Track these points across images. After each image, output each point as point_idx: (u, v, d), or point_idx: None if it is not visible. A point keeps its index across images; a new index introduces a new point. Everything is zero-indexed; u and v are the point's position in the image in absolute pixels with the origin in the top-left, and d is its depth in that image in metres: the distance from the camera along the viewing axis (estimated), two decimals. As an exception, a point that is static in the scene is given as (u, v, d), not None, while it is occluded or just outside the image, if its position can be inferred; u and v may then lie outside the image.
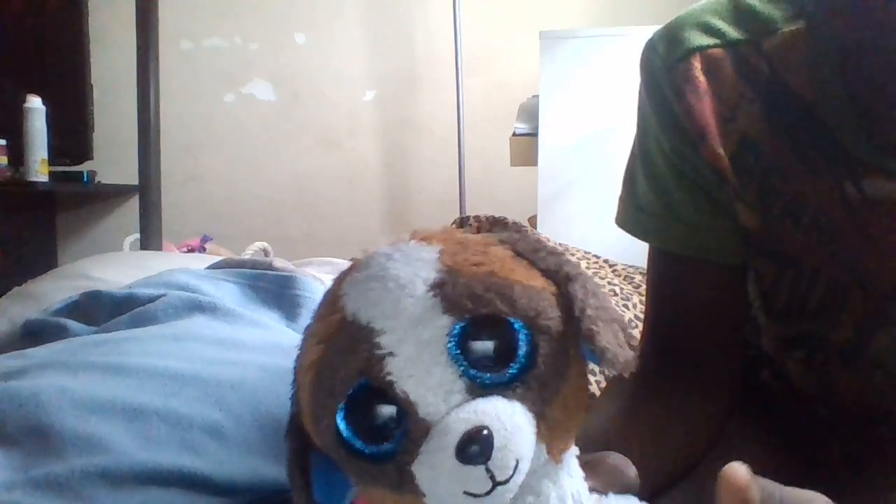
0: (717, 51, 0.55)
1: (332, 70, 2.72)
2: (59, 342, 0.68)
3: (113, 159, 2.62)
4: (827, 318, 0.55)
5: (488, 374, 0.28)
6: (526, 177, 2.09)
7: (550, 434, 0.29)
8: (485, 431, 0.26)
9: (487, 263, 0.30)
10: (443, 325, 0.28)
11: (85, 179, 2.49)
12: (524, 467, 0.28)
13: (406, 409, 0.28)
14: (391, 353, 0.28)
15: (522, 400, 0.28)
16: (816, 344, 0.56)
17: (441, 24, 2.53)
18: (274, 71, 2.74)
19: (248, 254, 1.70)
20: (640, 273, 1.25)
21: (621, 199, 0.64)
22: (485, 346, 0.28)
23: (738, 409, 0.62)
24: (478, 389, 0.28)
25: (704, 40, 0.56)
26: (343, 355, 0.29)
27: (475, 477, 0.27)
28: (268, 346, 0.70)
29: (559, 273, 0.31)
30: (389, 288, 0.29)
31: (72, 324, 0.78)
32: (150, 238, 1.78)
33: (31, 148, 2.29)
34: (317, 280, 1.00)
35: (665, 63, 0.57)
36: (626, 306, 1.12)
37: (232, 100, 2.76)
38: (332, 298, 0.32)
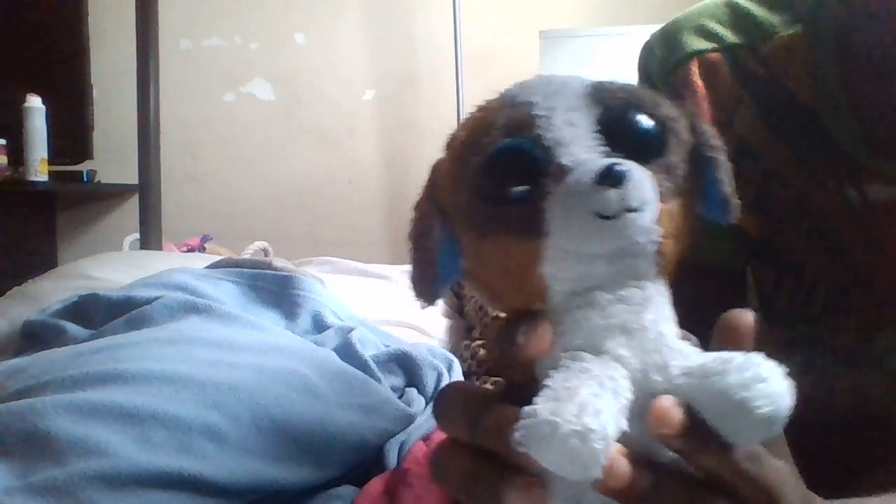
0: (715, 55, 0.55)
1: (332, 69, 2.72)
2: (53, 351, 0.68)
3: (113, 159, 2.62)
4: (827, 323, 0.54)
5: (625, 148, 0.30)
6: (526, 176, 2.08)
7: (667, 226, 0.30)
8: (622, 165, 0.28)
9: (629, 86, 0.32)
10: (596, 112, 0.30)
11: (85, 179, 2.49)
12: (650, 216, 0.29)
13: (549, 157, 0.29)
14: (545, 116, 0.30)
15: (652, 172, 0.30)
16: (816, 349, 0.56)
17: (441, 24, 2.53)
18: (274, 71, 2.74)
19: (247, 253, 1.70)
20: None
21: None
22: (623, 123, 0.30)
23: None
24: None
25: (702, 44, 0.55)
26: (498, 112, 0.31)
27: (607, 197, 0.28)
28: (265, 348, 0.70)
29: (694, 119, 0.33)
30: (551, 81, 0.32)
31: (69, 326, 0.78)
32: (149, 237, 1.78)
33: (31, 147, 2.29)
34: (316, 280, 1.00)
35: (663, 67, 0.57)
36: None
37: (232, 99, 2.76)
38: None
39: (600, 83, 0.31)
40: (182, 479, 0.52)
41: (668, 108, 0.31)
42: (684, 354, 0.30)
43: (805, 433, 0.63)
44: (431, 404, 0.77)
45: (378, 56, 2.70)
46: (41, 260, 2.58)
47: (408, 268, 0.34)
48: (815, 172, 0.52)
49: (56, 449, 0.50)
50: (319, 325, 0.89)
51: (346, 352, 0.79)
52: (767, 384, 0.29)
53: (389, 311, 1.14)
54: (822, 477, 0.60)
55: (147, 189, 1.78)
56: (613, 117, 0.30)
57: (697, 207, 0.33)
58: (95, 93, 2.57)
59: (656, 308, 0.31)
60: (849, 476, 0.59)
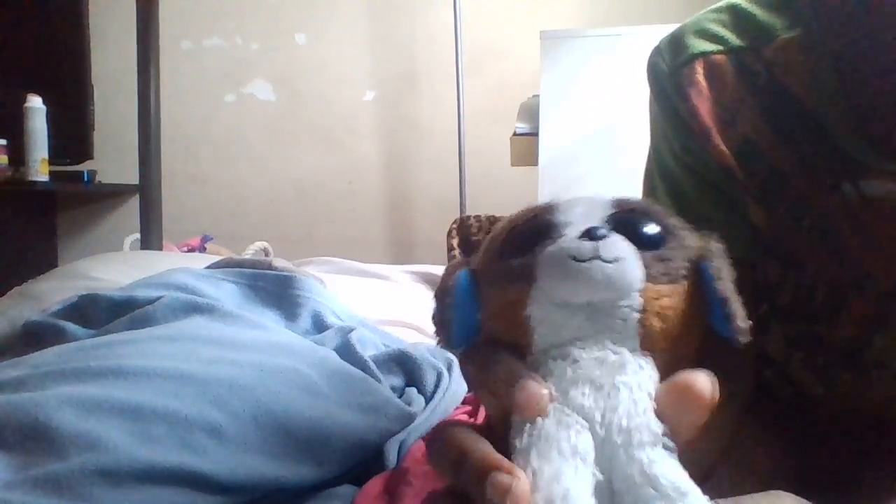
0: (720, 57, 0.57)
1: (333, 70, 2.72)
2: (56, 347, 0.68)
3: (113, 159, 2.62)
4: (828, 319, 0.55)
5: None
6: (526, 176, 2.08)
7: (651, 305, 0.33)
8: (604, 230, 0.33)
9: (650, 204, 0.37)
10: (607, 209, 0.35)
11: (85, 179, 2.49)
12: (623, 273, 0.32)
13: (556, 230, 0.34)
14: (560, 211, 0.36)
15: (644, 261, 0.33)
16: (818, 344, 0.57)
17: (442, 24, 2.53)
18: (274, 71, 2.75)
19: (248, 253, 1.70)
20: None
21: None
22: (630, 223, 0.35)
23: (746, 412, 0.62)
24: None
25: (707, 46, 0.57)
26: (528, 219, 0.37)
27: (583, 245, 0.33)
28: (266, 346, 0.70)
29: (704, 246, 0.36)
30: (580, 200, 0.37)
31: (70, 326, 0.79)
32: (150, 238, 1.78)
33: (32, 147, 2.29)
34: (317, 280, 1.01)
35: (670, 68, 0.59)
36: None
37: (232, 100, 2.76)
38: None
39: (622, 198, 0.37)
40: (182, 476, 0.52)
41: (674, 220, 0.36)
42: (649, 436, 0.31)
43: (806, 431, 0.63)
44: (431, 403, 0.77)
45: (378, 56, 2.70)
46: (41, 260, 2.58)
47: (431, 308, 0.39)
48: (814, 170, 0.53)
49: (57, 443, 0.50)
50: (319, 326, 0.89)
51: (346, 352, 0.79)
52: None
53: (389, 311, 1.14)
54: (821, 475, 0.61)
55: (147, 189, 1.78)
56: (622, 216, 0.35)
57: (706, 317, 0.35)
58: (96, 93, 2.57)
59: (632, 376, 0.32)
60: (847, 475, 0.59)
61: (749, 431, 0.63)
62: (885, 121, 0.51)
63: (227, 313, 0.76)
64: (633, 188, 0.67)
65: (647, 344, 0.33)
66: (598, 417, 0.31)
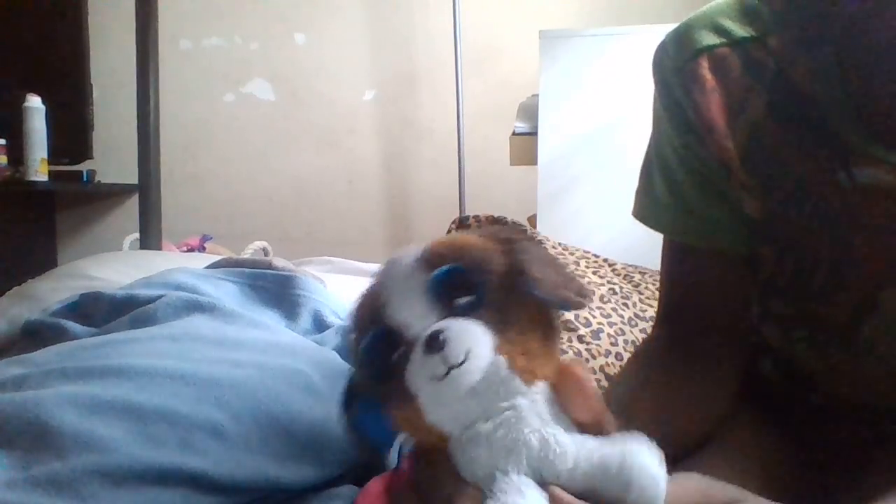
0: (724, 49, 0.58)
1: (332, 69, 2.72)
2: (58, 346, 0.68)
3: (112, 159, 2.62)
4: (826, 299, 0.58)
5: (453, 305, 0.40)
6: (526, 176, 2.08)
7: (511, 350, 0.39)
8: (440, 334, 0.37)
9: (452, 241, 0.42)
10: (421, 278, 0.41)
11: (84, 179, 2.48)
12: (477, 360, 0.37)
13: (400, 334, 0.40)
14: (389, 304, 0.41)
15: (480, 319, 0.39)
16: (817, 322, 0.59)
17: (441, 24, 2.53)
18: (273, 70, 2.74)
19: (247, 253, 1.70)
20: (640, 272, 1.25)
21: (638, 192, 0.67)
22: (447, 282, 0.40)
23: (742, 400, 0.63)
24: (448, 316, 0.39)
25: (712, 40, 0.59)
26: (365, 313, 0.43)
27: (434, 364, 0.37)
28: (267, 346, 0.70)
29: (509, 241, 0.43)
30: (393, 262, 0.43)
31: (71, 325, 0.78)
32: (149, 237, 1.78)
33: (31, 147, 2.29)
34: (317, 279, 1.00)
35: (675, 64, 0.60)
36: (625, 304, 1.12)
37: (231, 99, 2.76)
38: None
39: (428, 250, 0.41)
40: (183, 476, 0.52)
41: (474, 254, 0.41)
42: (571, 452, 0.38)
43: (804, 429, 0.64)
44: None
45: (378, 56, 2.70)
46: (41, 260, 2.58)
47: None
48: (814, 157, 0.55)
49: (58, 442, 0.50)
50: (320, 325, 0.89)
51: (346, 352, 0.79)
52: (649, 470, 0.37)
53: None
54: (822, 473, 0.61)
55: (147, 189, 1.78)
56: (438, 283, 0.40)
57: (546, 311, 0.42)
58: (95, 93, 2.57)
59: (533, 419, 0.39)
60: (849, 473, 0.59)
61: (745, 417, 0.64)
62: (881, 110, 0.53)
63: (229, 313, 0.76)
64: (631, 187, 0.68)
65: (529, 376, 0.39)
66: (533, 476, 0.38)
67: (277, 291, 0.91)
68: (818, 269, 0.57)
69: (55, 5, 2.50)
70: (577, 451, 0.38)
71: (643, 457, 0.37)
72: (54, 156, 2.38)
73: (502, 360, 0.38)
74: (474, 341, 0.37)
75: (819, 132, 0.55)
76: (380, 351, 0.41)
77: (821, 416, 0.64)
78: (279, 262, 1.01)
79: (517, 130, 2.03)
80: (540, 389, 0.40)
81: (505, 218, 1.28)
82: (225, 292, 0.88)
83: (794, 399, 0.66)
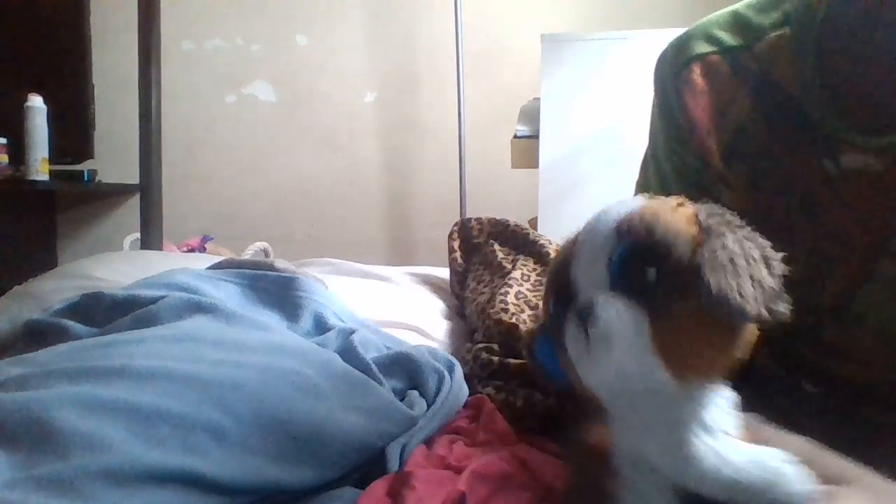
0: (715, 57, 0.65)
1: (334, 71, 2.72)
2: (60, 346, 0.68)
3: (114, 158, 2.62)
4: (813, 284, 0.62)
5: (625, 282, 0.38)
6: (527, 179, 2.09)
7: (664, 347, 0.37)
8: (592, 310, 0.37)
9: (653, 214, 0.39)
10: (606, 246, 0.39)
11: (85, 178, 2.49)
12: (615, 335, 0.37)
13: (572, 290, 0.40)
14: (574, 260, 0.41)
15: (639, 302, 0.37)
16: (806, 306, 0.61)
17: (443, 26, 2.53)
18: (275, 72, 2.75)
19: (248, 254, 1.70)
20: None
21: (637, 183, 0.75)
22: (627, 258, 0.39)
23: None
24: (619, 290, 0.38)
25: (705, 48, 0.66)
26: (557, 261, 0.43)
27: (576, 337, 0.38)
28: (269, 348, 0.70)
29: (708, 226, 0.39)
30: (595, 224, 0.41)
31: (72, 325, 0.78)
32: (150, 238, 1.78)
33: (32, 147, 2.29)
34: (318, 281, 1.00)
35: (672, 69, 0.68)
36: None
37: (233, 100, 2.76)
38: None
39: (625, 220, 0.39)
40: (184, 477, 0.52)
41: (664, 234, 0.38)
42: (715, 459, 0.37)
43: (795, 418, 0.65)
44: (432, 408, 0.77)
45: (379, 58, 2.70)
46: (41, 259, 2.58)
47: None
48: (799, 150, 0.61)
49: (60, 442, 0.50)
50: (321, 327, 0.89)
51: (348, 354, 0.79)
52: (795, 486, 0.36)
53: (390, 313, 1.14)
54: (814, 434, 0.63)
55: (148, 189, 1.78)
56: (624, 261, 0.39)
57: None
58: (97, 93, 2.57)
59: (681, 411, 0.38)
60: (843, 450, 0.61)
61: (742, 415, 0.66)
62: (860, 100, 0.58)
63: (230, 314, 0.76)
64: (631, 190, 0.72)
65: (682, 371, 0.37)
66: (670, 466, 0.37)
67: (279, 293, 0.91)
68: (803, 257, 0.61)
69: (57, 5, 2.50)
70: (718, 462, 0.37)
71: (792, 481, 0.36)
72: (55, 155, 2.38)
73: (657, 363, 0.36)
74: (620, 330, 0.37)
75: (803, 126, 0.60)
76: (560, 303, 0.41)
77: (816, 407, 0.65)
78: (280, 263, 1.01)
79: (518, 133, 2.04)
80: (690, 387, 0.38)
81: (506, 220, 1.28)
82: (226, 293, 0.87)
83: (789, 391, 0.67)
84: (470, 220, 1.31)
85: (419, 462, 0.67)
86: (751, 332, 0.39)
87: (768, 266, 0.39)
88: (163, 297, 0.78)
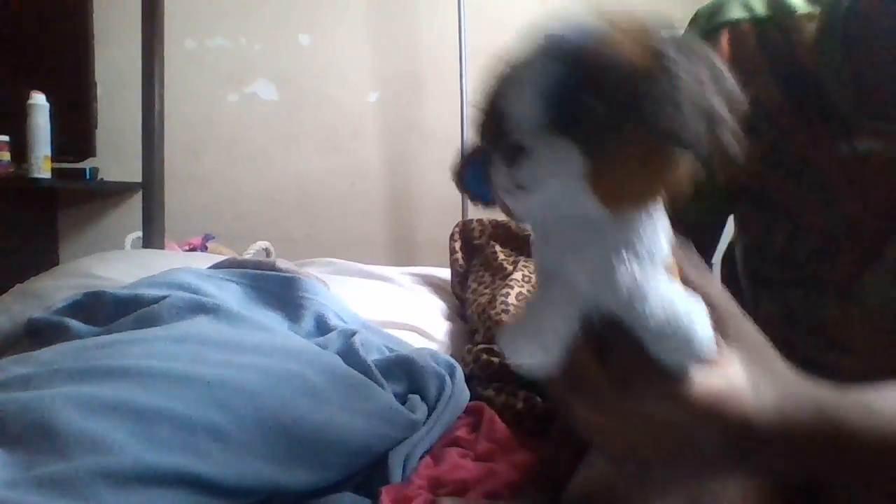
0: (746, 25, 0.65)
1: (336, 71, 2.72)
2: (62, 344, 0.68)
3: (116, 157, 2.62)
4: (819, 263, 0.63)
5: (559, 114, 0.35)
6: (528, 180, 2.08)
7: (598, 182, 0.34)
8: (517, 151, 0.34)
9: (602, 32, 0.36)
10: (544, 69, 0.36)
11: (87, 176, 2.48)
12: (546, 178, 0.34)
13: (506, 121, 0.37)
14: (509, 84, 0.38)
15: (573, 139, 0.34)
16: (812, 284, 0.64)
17: (446, 26, 2.53)
18: (278, 71, 2.74)
19: (249, 253, 1.70)
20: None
21: None
22: (562, 91, 0.35)
23: None
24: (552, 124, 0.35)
25: (738, 14, 0.66)
26: (493, 80, 0.40)
27: (507, 177, 0.35)
28: (271, 350, 0.69)
29: (662, 54, 0.35)
30: (536, 40, 0.39)
31: (74, 324, 0.78)
32: (152, 236, 1.78)
33: (35, 144, 2.29)
34: (319, 281, 1.00)
35: (702, 31, 0.67)
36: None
37: (235, 99, 2.76)
38: None
39: (568, 39, 0.36)
40: (185, 478, 0.52)
41: (618, 80, 0.34)
42: (634, 290, 0.35)
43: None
44: (433, 415, 0.76)
45: (382, 58, 2.70)
46: (42, 257, 2.58)
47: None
48: (815, 131, 0.61)
49: (61, 442, 0.50)
50: (322, 327, 0.89)
51: (349, 356, 0.79)
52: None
53: (391, 313, 1.14)
54: None
55: (150, 187, 1.78)
56: (561, 89, 0.35)
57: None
58: (99, 91, 2.57)
59: (612, 239, 0.36)
60: None
61: None
62: (878, 87, 0.59)
63: (232, 315, 0.76)
64: None
65: (614, 204, 0.35)
66: (587, 287, 0.37)
67: (280, 293, 0.91)
68: (811, 235, 0.62)
69: (60, 3, 2.50)
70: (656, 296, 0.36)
71: (696, 332, 0.35)
72: (58, 153, 2.38)
73: (588, 195, 0.34)
74: (557, 167, 0.34)
75: (821, 108, 0.60)
76: (487, 129, 0.38)
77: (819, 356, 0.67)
78: (282, 263, 1.01)
79: (521, 134, 2.03)
80: (621, 216, 0.36)
81: (508, 222, 1.27)
82: (228, 293, 0.87)
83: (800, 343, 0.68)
84: (471, 221, 1.31)
85: (423, 474, 0.66)
86: (691, 162, 0.37)
87: (727, 100, 0.36)
88: (165, 297, 0.78)
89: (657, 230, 0.37)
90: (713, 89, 0.35)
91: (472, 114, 0.41)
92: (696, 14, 0.69)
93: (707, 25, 0.67)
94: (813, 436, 0.38)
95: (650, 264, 0.36)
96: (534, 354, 0.36)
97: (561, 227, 0.37)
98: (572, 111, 0.34)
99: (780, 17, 0.64)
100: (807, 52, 0.61)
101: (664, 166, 0.36)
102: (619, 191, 0.35)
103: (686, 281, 0.38)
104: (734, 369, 0.37)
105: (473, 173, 0.42)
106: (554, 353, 0.36)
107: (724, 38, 0.65)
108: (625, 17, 0.37)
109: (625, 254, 0.36)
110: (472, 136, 0.42)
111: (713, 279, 0.40)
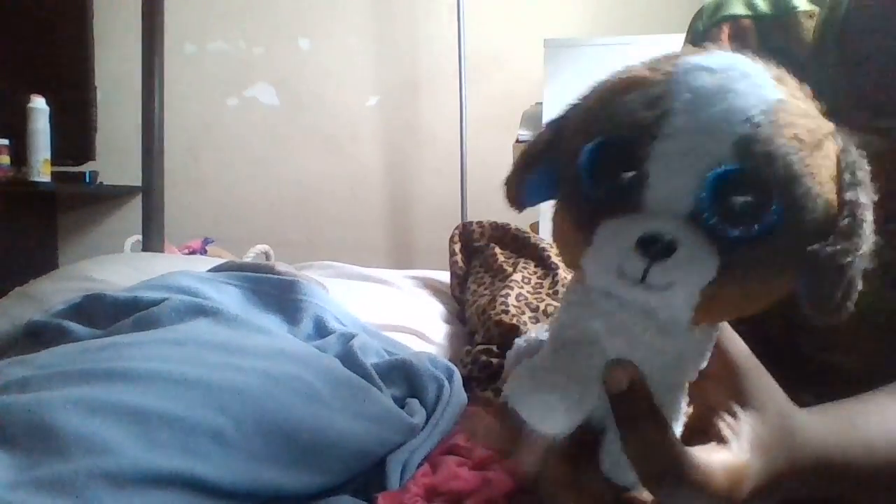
0: (747, 21, 0.66)
1: (336, 75, 2.72)
2: (62, 347, 0.68)
3: (115, 160, 2.62)
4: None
5: (718, 220, 0.28)
6: (528, 184, 2.08)
7: (710, 301, 0.29)
8: (664, 243, 0.27)
9: (800, 136, 0.30)
10: (717, 154, 0.28)
11: (87, 180, 2.49)
12: (672, 305, 0.29)
13: (639, 181, 0.29)
14: (670, 130, 0.28)
15: (719, 248, 0.28)
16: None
17: (445, 31, 2.54)
18: (277, 75, 2.75)
19: (249, 257, 1.70)
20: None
21: None
22: (728, 187, 0.28)
23: None
24: (701, 221, 0.28)
25: (740, 10, 0.67)
26: (637, 97, 0.30)
27: (634, 266, 0.28)
28: (271, 353, 0.69)
29: (852, 200, 0.30)
30: (692, 122, 0.29)
31: (73, 326, 0.78)
32: (151, 239, 1.78)
33: (34, 148, 2.30)
34: (319, 284, 1.00)
35: (704, 26, 0.68)
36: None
37: (235, 103, 2.77)
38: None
39: (756, 135, 0.28)
40: (184, 480, 0.52)
41: (790, 175, 0.29)
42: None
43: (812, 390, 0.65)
44: (431, 420, 0.76)
45: (382, 62, 2.71)
46: (42, 261, 2.58)
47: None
48: None
49: (61, 444, 0.50)
50: (321, 330, 0.89)
51: (348, 359, 0.79)
52: None
53: (390, 317, 1.14)
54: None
55: (150, 191, 1.78)
56: (727, 185, 0.28)
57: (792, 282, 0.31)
58: (99, 95, 2.58)
59: (674, 345, 0.32)
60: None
61: None
62: (877, 86, 0.59)
63: (232, 317, 0.76)
64: None
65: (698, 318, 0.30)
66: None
67: (279, 296, 0.91)
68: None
69: (60, 7, 2.51)
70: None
71: None
72: (57, 157, 2.39)
73: (688, 315, 0.30)
74: (679, 296, 0.29)
75: (820, 105, 0.61)
76: (602, 163, 0.29)
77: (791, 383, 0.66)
78: (282, 266, 1.01)
79: (521, 138, 2.04)
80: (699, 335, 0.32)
81: (508, 224, 1.28)
82: (227, 296, 0.87)
83: (800, 364, 0.67)
84: (471, 223, 1.31)
85: (420, 482, 0.66)
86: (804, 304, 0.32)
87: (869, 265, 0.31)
88: (164, 300, 0.78)
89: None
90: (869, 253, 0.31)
91: (581, 119, 0.33)
92: (700, 9, 0.70)
93: (710, 18, 0.68)
94: (809, 485, 0.39)
95: (686, 385, 0.34)
96: (554, 423, 0.33)
97: (632, 315, 0.32)
98: (731, 218, 0.28)
99: (782, 14, 0.65)
100: (803, 50, 0.62)
101: (775, 297, 0.31)
102: (722, 310, 0.31)
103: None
104: (745, 447, 0.34)
105: (536, 187, 0.36)
106: (571, 425, 0.34)
107: (725, 34, 0.66)
108: (824, 124, 0.32)
109: (685, 365, 0.33)
110: (542, 143, 0.36)
111: (735, 336, 0.37)
